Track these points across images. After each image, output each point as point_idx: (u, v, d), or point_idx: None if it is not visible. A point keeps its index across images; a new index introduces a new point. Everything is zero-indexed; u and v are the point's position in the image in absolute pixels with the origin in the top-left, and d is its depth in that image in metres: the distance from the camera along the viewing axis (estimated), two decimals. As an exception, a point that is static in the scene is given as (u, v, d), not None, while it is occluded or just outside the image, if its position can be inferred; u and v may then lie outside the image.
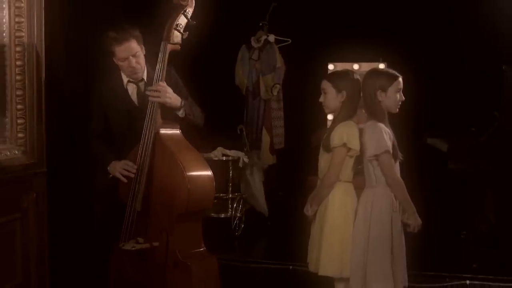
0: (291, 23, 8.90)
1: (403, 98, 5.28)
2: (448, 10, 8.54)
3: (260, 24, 8.82)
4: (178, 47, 5.42)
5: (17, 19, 5.38)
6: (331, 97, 5.33)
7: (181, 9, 5.37)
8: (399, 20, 8.54)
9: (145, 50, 5.74)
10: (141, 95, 5.71)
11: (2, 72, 5.32)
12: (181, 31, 5.38)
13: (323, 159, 5.45)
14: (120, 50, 5.55)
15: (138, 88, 5.78)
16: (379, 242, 5.26)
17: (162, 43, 5.35)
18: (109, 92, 5.78)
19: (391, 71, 5.33)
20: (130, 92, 5.80)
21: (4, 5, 5.30)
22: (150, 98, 5.32)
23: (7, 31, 5.35)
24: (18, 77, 5.40)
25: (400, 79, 5.26)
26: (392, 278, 5.28)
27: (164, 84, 5.36)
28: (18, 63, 5.40)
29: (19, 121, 5.42)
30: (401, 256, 5.30)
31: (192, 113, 5.66)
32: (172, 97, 5.41)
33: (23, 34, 5.43)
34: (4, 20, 5.32)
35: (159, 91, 5.31)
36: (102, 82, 5.90)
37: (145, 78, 5.78)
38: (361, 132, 5.32)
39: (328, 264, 5.36)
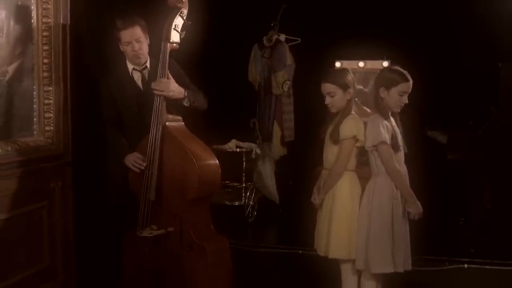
0: (300, 24, 8.89)
1: (407, 101, 5.26)
2: (448, 11, 8.52)
3: (272, 24, 8.80)
4: (177, 46, 5.47)
5: (44, 20, 5.40)
6: (339, 98, 5.32)
7: (177, 11, 5.41)
8: (402, 20, 8.52)
9: (150, 43, 5.81)
10: (146, 82, 5.79)
11: (31, 69, 5.34)
12: (179, 31, 5.42)
13: (330, 151, 5.44)
14: (125, 34, 5.64)
15: (143, 75, 5.84)
16: (379, 227, 5.28)
17: (162, 42, 5.40)
18: (117, 80, 5.83)
19: (402, 73, 5.27)
20: (135, 79, 5.85)
21: (32, 7, 5.31)
22: (155, 92, 5.37)
23: (35, 31, 5.36)
24: (45, 74, 5.44)
25: (409, 83, 5.22)
26: (392, 262, 5.29)
27: (166, 79, 5.40)
28: (45, 60, 5.43)
29: (47, 115, 5.46)
30: (402, 242, 5.29)
31: (196, 100, 5.69)
32: (175, 90, 5.46)
33: (50, 33, 5.45)
34: (33, 21, 5.34)
35: (163, 87, 5.37)
36: (109, 72, 5.94)
37: (148, 67, 5.84)
38: (364, 125, 5.33)
39: (337, 247, 5.40)
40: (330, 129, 5.46)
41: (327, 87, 5.34)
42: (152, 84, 5.39)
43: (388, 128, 5.21)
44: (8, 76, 5.12)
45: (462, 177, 7.36)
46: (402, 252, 5.30)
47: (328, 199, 5.47)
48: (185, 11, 5.44)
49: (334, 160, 5.44)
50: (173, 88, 5.43)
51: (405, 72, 5.27)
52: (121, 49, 5.76)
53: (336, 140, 5.37)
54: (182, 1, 5.40)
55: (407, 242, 5.33)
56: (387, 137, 5.19)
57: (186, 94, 5.58)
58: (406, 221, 5.32)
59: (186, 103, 5.60)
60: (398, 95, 5.23)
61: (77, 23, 5.83)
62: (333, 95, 5.32)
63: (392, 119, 5.31)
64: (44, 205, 5.50)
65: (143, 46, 5.73)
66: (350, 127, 5.35)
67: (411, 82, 5.23)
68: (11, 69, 5.16)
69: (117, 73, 5.87)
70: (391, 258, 5.27)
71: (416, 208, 5.25)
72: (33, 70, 5.38)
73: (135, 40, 5.65)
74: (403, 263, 5.31)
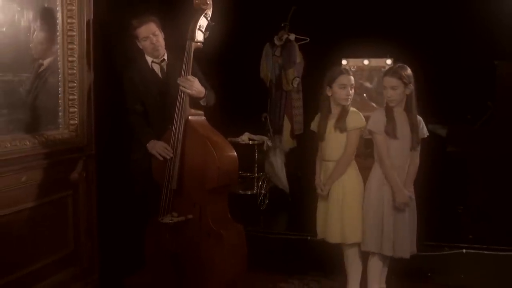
0: (309, 24, 8.86)
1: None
2: (448, 14, 8.49)
3: (282, 24, 8.79)
4: (201, 45, 5.47)
5: (69, 20, 5.43)
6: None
7: (201, 12, 5.42)
8: (405, 21, 8.49)
9: (165, 38, 5.86)
10: (164, 73, 5.86)
11: (56, 66, 5.34)
12: (203, 31, 5.43)
13: (336, 142, 5.48)
14: (142, 30, 5.71)
15: (161, 67, 5.88)
16: (370, 212, 5.44)
17: (187, 42, 5.41)
18: (138, 72, 5.85)
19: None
20: (156, 70, 5.88)
21: (58, 8, 5.31)
22: (180, 88, 5.38)
23: (60, 31, 5.37)
24: (70, 71, 5.46)
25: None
26: (380, 244, 5.35)
27: (192, 78, 5.43)
28: (70, 58, 5.45)
29: (71, 109, 5.50)
30: (394, 228, 5.34)
31: (209, 100, 5.72)
32: (197, 90, 5.48)
33: (74, 33, 5.46)
34: (58, 21, 5.34)
35: (188, 84, 5.39)
36: (130, 67, 5.95)
37: (166, 59, 5.89)
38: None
39: (353, 233, 5.50)
40: (332, 122, 5.47)
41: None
42: (178, 79, 5.41)
43: (379, 118, 5.39)
44: (35, 76, 5.13)
45: (461, 168, 7.35)
46: (390, 237, 5.31)
47: (338, 188, 5.51)
48: (209, 12, 5.46)
49: (340, 151, 5.46)
50: (196, 87, 5.46)
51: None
52: (140, 46, 5.81)
53: (343, 130, 5.44)
54: (207, 3, 5.42)
55: (402, 229, 5.34)
56: (377, 126, 5.36)
57: (205, 94, 5.60)
58: (405, 209, 5.31)
59: (203, 103, 5.64)
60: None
61: (100, 22, 5.82)
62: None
63: (395, 110, 5.34)
64: (69, 194, 5.53)
65: (160, 39, 5.78)
66: (357, 119, 5.48)
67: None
68: (38, 70, 5.17)
69: (139, 66, 5.89)
70: (380, 240, 5.36)
71: (399, 197, 5.29)
72: (59, 67, 5.38)
73: (152, 34, 5.72)
74: (396, 248, 5.31)
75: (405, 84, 5.25)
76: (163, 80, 5.85)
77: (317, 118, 5.69)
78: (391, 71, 5.36)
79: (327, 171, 5.57)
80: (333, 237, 5.54)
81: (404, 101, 5.31)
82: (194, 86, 5.43)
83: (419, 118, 5.36)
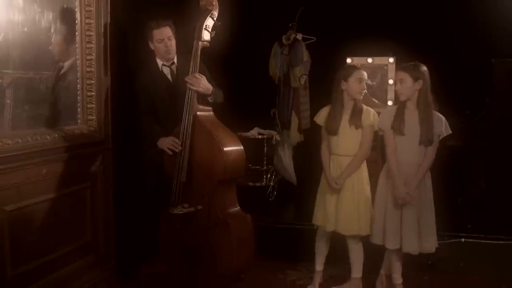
0: (315, 24, 8.84)
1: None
2: (447, 14, 8.47)
3: (290, 25, 8.78)
4: (208, 44, 5.46)
5: (87, 21, 5.43)
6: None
7: (208, 12, 5.42)
8: (406, 21, 8.47)
9: (180, 48, 5.85)
10: (175, 76, 5.86)
11: (75, 64, 5.35)
12: (210, 30, 5.43)
13: (350, 137, 5.50)
14: (158, 33, 5.72)
15: (171, 70, 5.88)
16: (377, 206, 5.47)
17: (195, 41, 5.41)
18: (149, 75, 5.85)
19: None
20: (165, 73, 5.88)
21: (76, 9, 5.32)
22: (188, 85, 5.39)
23: (79, 30, 5.38)
24: (88, 69, 5.45)
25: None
26: (382, 236, 5.39)
27: (199, 75, 5.43)
28: (88, 57, 5.46)
29: (89, 105, 5.51)
30: (398, 222, 5.32)
31: (217, 97, 5.70)
32: (204, 86, 5.46)
33: (92, 33, 5.46)
34: (76, 22, 5.35)
35: (195, 81, 5.39)
36: (141, 69, 5.95)
37: (176, 63, 5.89)
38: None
39: (367, 225, 5.53)
40: (346, 117, 5.45)
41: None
42: (186, 78, 5.41)
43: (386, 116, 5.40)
44: (54, 74, 5.14)
45: (459, 161, 7.34)
46: (393, 231, 5.31)
47: (351, 182, 5.51)
48: (215, 13, 5.45)
49: (355, 146, 5.48)
50: (204, 84, 5.44)
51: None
52: (152, 47, 5.81)
53: (359, 126, 5.45)
54: (213, 4, 5.42)
55: (407, 225, 5.30)
56: (383, 123, 5.38)
57: (213, 91, 5.59)
58: (412, 205, 5.28)
59: (210, 99, 5.62)
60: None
61: (116, 22, 5.83)
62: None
63: (408, 106, 5.31)
64: (87, 186, 5.54)
65: (173, 43, 5.78)
66: (371, 115, 5.48)
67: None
68: (57, 68, 5.18)
69: (149, 69, 5.89)
70: (382, 233, 5.38)
71: (397, 193, 5.27)
72: (77, 65, 5.39)
73: (167, 37, 5.72)
74: (403, 243, 5.28)
75: (414, 79, 5.20)
76: (172, 83, 5.86)
77: (323, 111, 5.65)
78: (402, 66, 5.36)
79: (341, 165, 5.52)
80: (348, 229, 5.52)
81: (416, 97, 5.27)
82: (201, 83, 5.42)
83: (439, 116, 5.25)
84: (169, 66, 5.86)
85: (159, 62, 5.86)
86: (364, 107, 5.54)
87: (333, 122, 5.49)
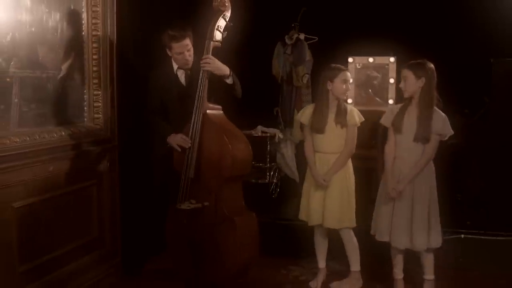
0: (318, 24, 8.82)
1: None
2: (447, 14, 8.46)
3: (293, 25, 8.76)
4: (219, 44, 5.44)
5: (93, 21, 5.42)
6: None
7: (220, 13, 5.39)
8: (406, 21, 8.45)
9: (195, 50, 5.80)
10: (188, 78, 5.82)
11: (81, 64, 5.35)
12: (221, 31, 5.40)
13: (334, 134, 5.56)
14: (178, 46, 5.62)
15: (186, 73, 5.84)
16: (379, 201, 5.52)
17: (207, 41, 5.38)
18: (163, 77, 5.83)
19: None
20: (179, 76, 5.85)
21: (83, 9, 5.30)
22: (202, 66, 5.35)
23: (85, 30, 5.39)
24: (94, 68, 5.51)
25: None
26: (388, 233, 5.40)
27: (212, 56, 5.36)
28: (94, 57, 5.48)
29: (95, 104, 5.54)
30: (402, 219, 5.33)
31: (237, 82, 5.67)
32: (220, 67, 5.42)
33: (98, 33, 5.48)
34: (83, 22, 5.35)
35: (209, 61, 5.33)
36: (157, 69, 5.93)
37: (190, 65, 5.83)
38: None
39: (353, 217, 5.64)
40: (331, 116, 5.50)
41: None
42: (200, 60, 5.38)
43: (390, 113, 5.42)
44: (62, 73, 5.17)
45: (459, 159, 7.34)
46: (399, 228, 5.33)
47: (341, 177, 5.56)
48: (227, 14, 5.42)
49: (341, 144, 5.56)
50: (217, 65, 5.40)
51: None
52: (169, 54, 5.75)
53: (344, 125, 5.51)
54: (225, 5, 5.39)
55: (414, 221, 5.33)
56: (385, 121, 5.43)
57: (231, 72, 5.55)
58: (418, 202, 5.30)
59: (229, 81, 5.56)
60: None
61: (122, 23, 5.82)
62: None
63: (413, 103, 5.31)
64: (94, 183, 5.56)
65: (192, 52, 5.73)
66: (356, 115, 5.55)
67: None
68: (64, 67, 5.20)
69: (164, 71, 5.86)
70: (388, 230, 5.38)
71: (386, 187, 5.34)
72: (84, 64, 5.43)
73: (186, 50, 5.66)
74: (409, 239, 5.30)
75: (417, 77, 5.19)
76: (186, 86, 5.83)
77: (307, 110, 5.73)
78: (407, 64, 5.35)
79: (328, 162, 5.59)
80: (339, 224, 5.61)
81: (419, 94, 5.26)
82: (217, 63, 5.37)
83: (440, 114, 5.25)
84: (185, 70, 5.83)
85: (175, 66, 5.82)
86: (349, 107, 5.63)
87: (320, 120, 5.53)
